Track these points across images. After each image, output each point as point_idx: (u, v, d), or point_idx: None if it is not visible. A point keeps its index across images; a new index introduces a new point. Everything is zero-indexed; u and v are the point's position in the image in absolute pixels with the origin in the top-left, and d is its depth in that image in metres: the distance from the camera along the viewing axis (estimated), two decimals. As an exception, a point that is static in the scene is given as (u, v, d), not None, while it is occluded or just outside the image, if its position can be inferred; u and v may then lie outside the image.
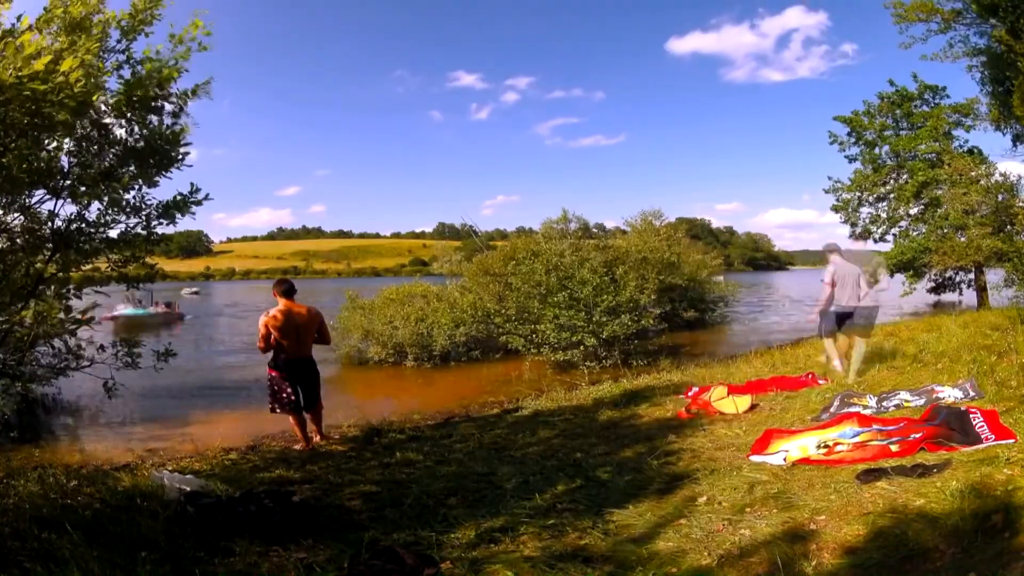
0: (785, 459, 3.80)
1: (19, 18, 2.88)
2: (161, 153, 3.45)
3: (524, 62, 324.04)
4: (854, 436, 4.05)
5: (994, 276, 15.05)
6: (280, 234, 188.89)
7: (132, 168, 3.44)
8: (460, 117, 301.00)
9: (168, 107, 3.50)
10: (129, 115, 3.38)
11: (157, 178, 3.56)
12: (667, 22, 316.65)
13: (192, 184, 3.64)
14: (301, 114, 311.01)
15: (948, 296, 19.05)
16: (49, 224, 3.46)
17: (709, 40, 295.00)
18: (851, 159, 19.22)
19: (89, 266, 3.54)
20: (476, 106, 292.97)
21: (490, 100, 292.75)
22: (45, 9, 3.03)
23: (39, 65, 2.49)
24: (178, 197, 3.61)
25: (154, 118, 3.48)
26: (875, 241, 19.10)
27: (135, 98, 3.28)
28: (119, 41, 3.39)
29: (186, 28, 3.39)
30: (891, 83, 18.29)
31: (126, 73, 3.39)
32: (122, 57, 3.43)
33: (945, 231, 16.58)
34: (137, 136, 3.45)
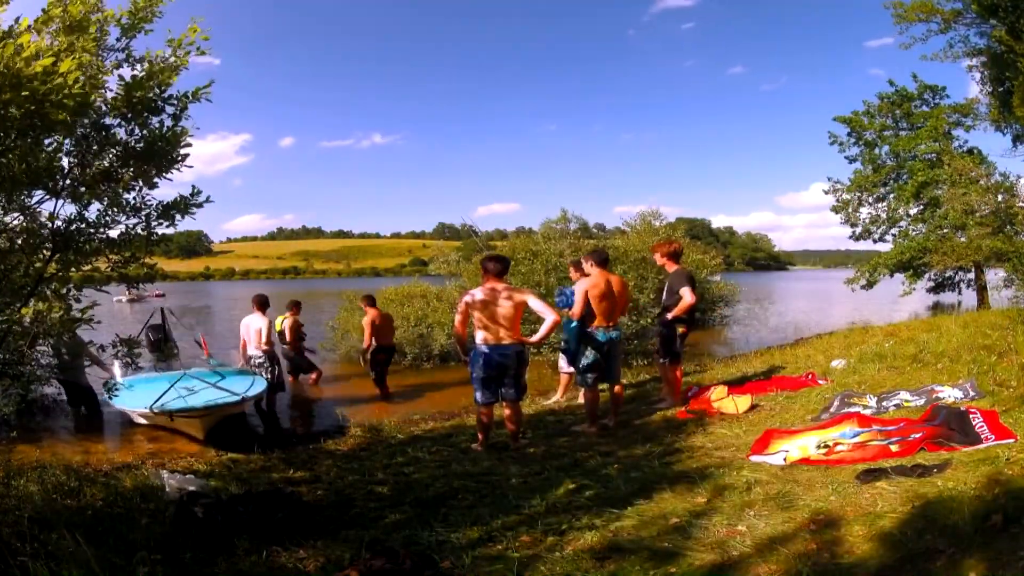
0: (785, 459, 3.81)
1: (17, 20, 2.87)
2: (161, 154, 3.44)
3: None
4: (854, 436, 4.05)
5: (994, 276, 15.04)
6: (280, 234, 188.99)
7: (132, 169, 3.44)
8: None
9: (169, 109, 3.49)
10: (129, 115, 3.37)
11: (156, 179, 3.56)
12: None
13: (193, 187, 3.65)
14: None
15: (948, 296, 19.04)
16: (49, 224, 3.45)
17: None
18: (851, 159, 19.25)
19: (89, 266, 3.54)
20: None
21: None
22: (44, 10, 3.02)
23: (38, 67, 2.48)
24: (178, 199, 3.62)
25: (155, 119, 3.47)
26: (874, 241, 19.15)
27: (135, 99, 3.28)
28: (119, 39, 3.37)
29: (184, 33, 3.39)
30: (891, 83, 18.31)
31: (126, 72, 3.37)
32: (121, 56, 3.41)
33: (945, 231, 16.58)
34: (137, 137, 3.45)
